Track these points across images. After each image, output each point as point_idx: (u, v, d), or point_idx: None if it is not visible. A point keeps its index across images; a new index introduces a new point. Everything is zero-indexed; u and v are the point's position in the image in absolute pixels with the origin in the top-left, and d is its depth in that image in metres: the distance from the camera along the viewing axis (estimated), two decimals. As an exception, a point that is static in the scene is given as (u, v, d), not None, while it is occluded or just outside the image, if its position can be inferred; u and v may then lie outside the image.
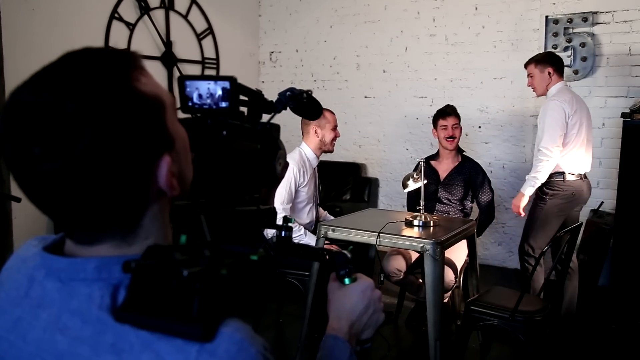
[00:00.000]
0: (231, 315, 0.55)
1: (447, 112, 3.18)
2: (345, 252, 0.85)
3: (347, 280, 0.85)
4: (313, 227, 3.00)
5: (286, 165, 0.82)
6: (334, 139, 3.01)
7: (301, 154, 2.98)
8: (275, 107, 0.81)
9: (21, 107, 0.52)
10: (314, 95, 0.88)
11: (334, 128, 2.99)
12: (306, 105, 0.85)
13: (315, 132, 2.96)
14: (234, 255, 0.57)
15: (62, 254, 0.60)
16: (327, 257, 0.85)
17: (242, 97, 0.76)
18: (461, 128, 3.21)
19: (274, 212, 0.80)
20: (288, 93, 0.83)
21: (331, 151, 3.07)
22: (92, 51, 0.56)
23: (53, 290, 0.57)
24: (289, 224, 0.84)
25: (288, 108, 0.85)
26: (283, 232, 0.84)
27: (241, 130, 0.75)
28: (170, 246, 0.57)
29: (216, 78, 0.72)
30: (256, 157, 0.76)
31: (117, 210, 0.56)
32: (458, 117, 3.18)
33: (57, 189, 0.53)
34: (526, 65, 3.14)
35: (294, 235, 2.81)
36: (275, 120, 0.80)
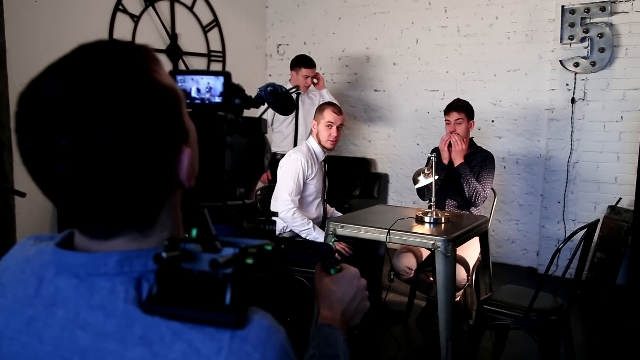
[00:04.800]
0: (254, 304, 0.57)
1: (451, 106, 3.15)
2: (329, 243, 0.91)
3: (332, 271, 0.90)
4: (321, 223, 2.99)
5: (270, 159, 0.86)
6: (331, 137, 2.95)
7: (308, 146, 2.98)
8: (257, 102, 0.85)
9: (45, 99, 0.52)
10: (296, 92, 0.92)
11: (329, 126, 2.94)
12: (284, 102, 0.89)
13: (314, 127, 3.01)
14: (254, 246, 0.59)
15: (72, 250, 0.61)
16: (312, 250, 0.89)
17: None
18: (470, 123, 3.14)
19: (255, 207, 0.83)
20: (269, 89, 0.87)
21: (329, 148, 3.02)
22: (108, 43, 0.58)
23: (68, 287, 0.58)
24: (273, 218, 0.86)
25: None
26: (267, 226, 0.86)
27: (236, 125, 0.77)
28: (187, 239, 0.58)
29: (210, 73, 0.74)
30: (249, 152, 0.80)
31: (140, 203, 0.57)
32: (465, 111, 3.12)
33: (82, 183, 0.53)
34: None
35: (302, 229, 2.83)
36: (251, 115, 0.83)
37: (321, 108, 3.03)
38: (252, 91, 0.82)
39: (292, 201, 2.81)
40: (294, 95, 4.15)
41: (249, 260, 0.56)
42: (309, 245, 0.92)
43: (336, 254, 0.92)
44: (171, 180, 0.59)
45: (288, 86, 4.16)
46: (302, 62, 4.15)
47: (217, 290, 0.54)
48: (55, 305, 0.58)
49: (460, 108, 3.12)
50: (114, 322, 0.55)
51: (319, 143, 2.99)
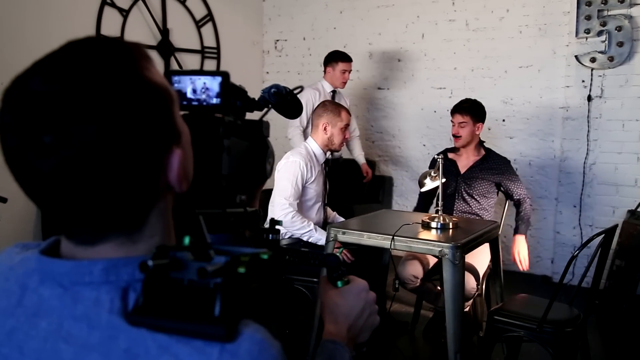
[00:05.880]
0: (246, 316, 0.57)
1: (455, 108, 3.17)
2: (336, 254, 0.88)
3: (339, 283, 0.88)
4: (321, 228, 3.00)
5: (273, 165, 0.86)
6: (344, 140, 3.03)
7: (307, 149, 2.99)
8: (259, 105, 0.85)
9: (29, 95, 0.53)
10: (300, 93, 0.93)
11: (345, 128, 3.00)
12: (289, 104, 0.89)
13: (325, 129, 2.97)
14: (247, 255, 0.59)
15: (58, 258, 0.61)
16: (317, 261, 0.88)
17: None
18: (477, 126, 3.13)
19: (258, 215, 0.82)
20: (273, 90, 0.87)
21: (338, 150, 3.11)
22: (98, 40, 0.59)
23: (52, 297, 0.58)
24: (277, 227, 0.86)
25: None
26: (270, 235, 0.86)
27: (235, 128, 0.77)
28: (178, 246, 0.58)
29: (207, 73, 0.75)
30: (249, 157, 0.80)
31: (127, 205, 0.58)
32: (471, 114, 3.11)
33: (67, 182, 0.54)
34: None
35: (302, 232, 2.84)
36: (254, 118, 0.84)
37: (334, 110, 2.98)
38: (249, 90, 0.82)
39: (290, 205, 2.82)
40: (330, 94, 4.17)
41: (241, 270, 0.56)
42: (314, 256, 0.91)
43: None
44: (160, 183, 0.60)
45: (325, 84, 4.20)
46: (339, 55, 4.17)
47: (207, 300, 0.53)
48: (38, 315, 0.58)
49: (465, 110, 3.11)
50: (97, 334, 0.55)
51: (326, 145, 3.00)
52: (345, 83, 4.23)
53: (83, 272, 0.58)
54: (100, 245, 0.59)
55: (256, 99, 0.85)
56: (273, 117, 1.16)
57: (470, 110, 3.13)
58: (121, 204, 0.57)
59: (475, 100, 3.20)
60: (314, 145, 3.00)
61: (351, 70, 4.24)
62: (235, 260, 0.56)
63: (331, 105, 3.06)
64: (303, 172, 2.88)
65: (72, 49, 0.56)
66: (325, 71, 4.25)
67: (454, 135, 3.17)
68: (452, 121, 3.18)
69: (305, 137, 4.07)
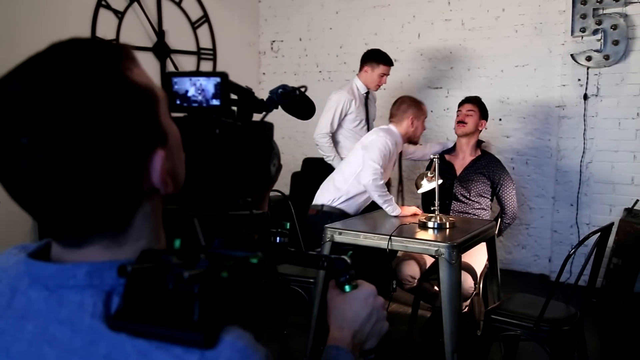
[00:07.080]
0: (232, 323, 0.55)
1: (466, 99, 3.31)
2: (344, 257, 0.85)
3: (347, 288, 0.85)
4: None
5: (280, 166, 0.83)
6: (423, 131, 3.28)
7: (394, 132, 3.15)
8: (267, 106, 0.83)
9: (6, 97, 0.53)
10: (307, 92, 0.90)
11: (424, 120, 3.25)
12: (299, 104, 0.87)
13: (412, 123, 3.15)
14: (232, 259, 0.58)
15: (48, 261, 0.61)
16: (325, 264, 0.85)
17: (231, 96, 0.77)
18: (481, 121, 3.21)
19: (267, 218, 0.81)
20: (280, 90, 0.85)
21: (416, 142, 3.32)
22: (81, 41, 0.58)
23: (39, 299, 0.58)
24: (284, 230, 0.85)
25: (279, 107, 0.87)
26: (277, 238, 0.84)
27: (234, 129, 0.76)
28: (165, 250, 0.58)
29: (206, 74, 0.74)
30: (250, 158, 0.78)
31: (108, 207, 0.57)
32: (479, 106, 3.24)
33: (45, 183, 0.53)
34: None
35: (385, 199, 2.94)
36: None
37: (417, 105, 3.20)
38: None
39: (381, 172, 2.95)
40: (364, 96, 3.85)
41: (224, 274, 0.55)
42: (322, 259, 0.89)
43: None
44: (143, 185, 0.59)
45: (359, 84, 3.81)
46: (381, 57, 3.75)
47: (190, 306, 0.52)
48: (26, 318, 0.58)
49: (475, 102, 3.26)
50: (80, 338, 0.55)
51: (409, 137, 3.19)
52: (379, 87, 3.87)
53: (67, 275, 0.57)
54: (85, 247, 0.59)
55: (264, 100, 0.83)
56: (272, 119, 1.15)
57: (479, 104, 3.27)
58: (102, 206, 0.56)
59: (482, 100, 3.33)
60: (396, 133, 3.14)
61: (389, 74, 3.84)
62: (217, 264, 0.55)
63: (412, 100, 3.25)
64: (392, 151, 3.05)
65: (52, 51, 0.56)
66: (361, 69, 3.81)
67: (459, 122, 3.23)
68: (458, 112, 3.27)
69: (333, 141, 3.79)
